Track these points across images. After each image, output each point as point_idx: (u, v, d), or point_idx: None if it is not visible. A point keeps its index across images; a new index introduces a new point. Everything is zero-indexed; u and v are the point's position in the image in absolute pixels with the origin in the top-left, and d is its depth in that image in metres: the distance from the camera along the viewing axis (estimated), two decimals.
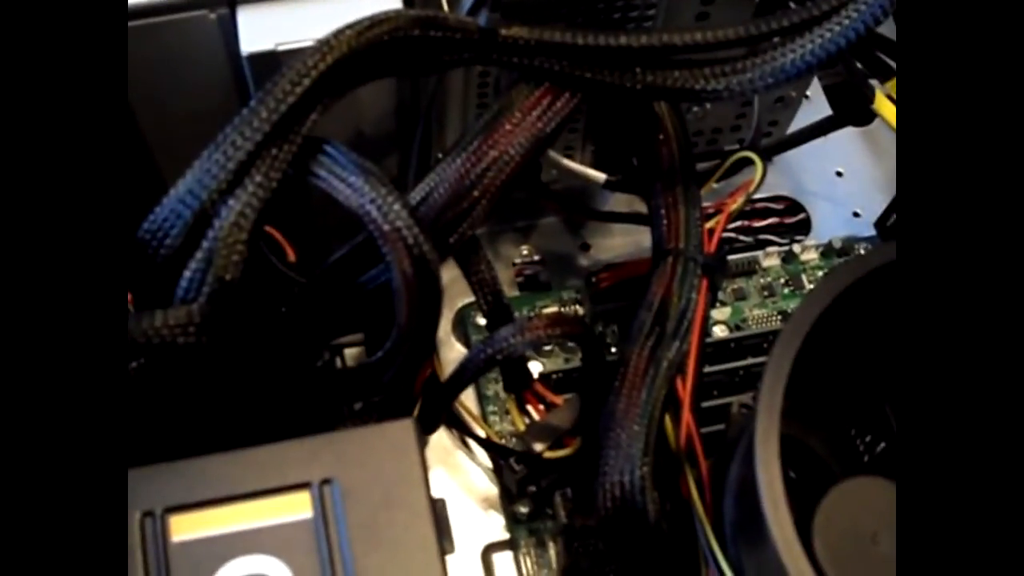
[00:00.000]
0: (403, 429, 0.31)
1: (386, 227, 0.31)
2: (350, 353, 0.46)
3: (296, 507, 0.30)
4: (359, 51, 0.32)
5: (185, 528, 0.29)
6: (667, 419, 0.37)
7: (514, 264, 0.50)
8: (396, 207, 0.31)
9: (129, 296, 0.36)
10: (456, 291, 0.47)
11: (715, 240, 0.40)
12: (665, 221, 0.40)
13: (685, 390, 0.37)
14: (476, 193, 0.34)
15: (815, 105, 0.54)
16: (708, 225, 0.41)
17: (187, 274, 0.30)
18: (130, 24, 0.34)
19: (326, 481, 0.30)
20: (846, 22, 0.34)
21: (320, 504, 0.30)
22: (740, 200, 0.41)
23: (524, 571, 0.43)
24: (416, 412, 0.40)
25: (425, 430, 0.40)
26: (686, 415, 0.37)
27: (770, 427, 0.30)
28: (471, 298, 0.45)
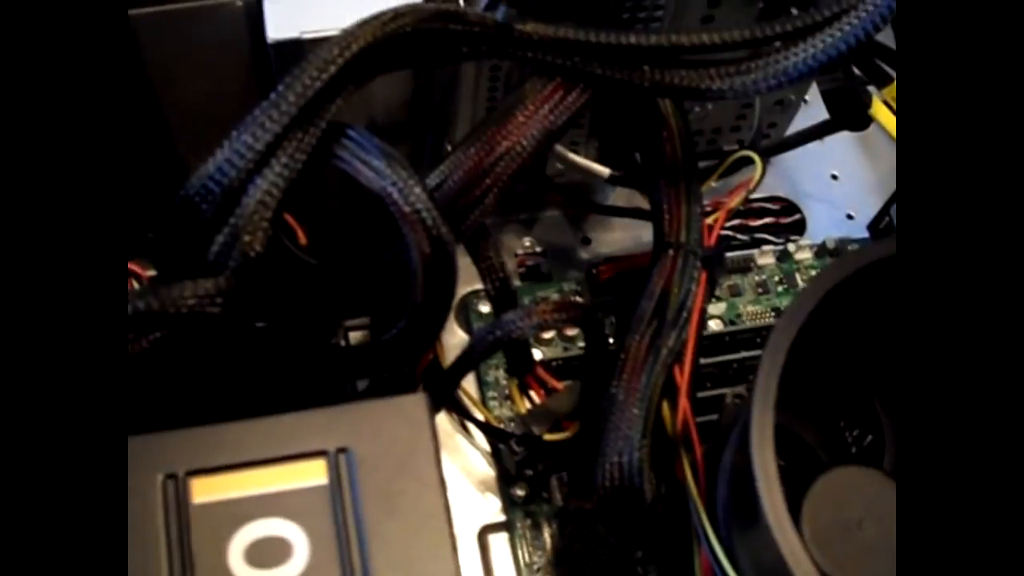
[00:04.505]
0: (416, 402, 0.32)
1: (406, 209, 0.32)
2: (354, 336, 0.47)
3: (312, 474, 0.31)
4: (382, 41, 0.33)
5: (206, 491, 0.30)
6: (664, 406, 0.38)
7: (516, 255, 0.51)
8: (416, 190, 0.32)
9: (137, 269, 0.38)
10: (459, 279, 0.48)
11: (714, 235, 0.41)
12: (667, 215, 0.41)
13: (682, 377, 0.38)
14: (488, 181, 0.36)
15: (813, 109, 0.55)
16: (707, 221, 0.42)
17: (214, 248, 0.31)
18: (160, 9, 0.35)
19: (341, 450, 0.31)
20: (847, 28, 0.35)
21: (335, 471, 0.31)
22: (739, 197, 0.42)
23: (519, 552, 0.44)
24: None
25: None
26: (683, 401, 0.38)
27: (765, 413, 0.31)
28: (473, 286, 0.47)
